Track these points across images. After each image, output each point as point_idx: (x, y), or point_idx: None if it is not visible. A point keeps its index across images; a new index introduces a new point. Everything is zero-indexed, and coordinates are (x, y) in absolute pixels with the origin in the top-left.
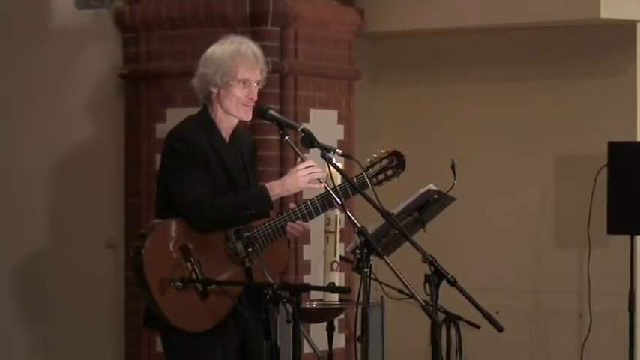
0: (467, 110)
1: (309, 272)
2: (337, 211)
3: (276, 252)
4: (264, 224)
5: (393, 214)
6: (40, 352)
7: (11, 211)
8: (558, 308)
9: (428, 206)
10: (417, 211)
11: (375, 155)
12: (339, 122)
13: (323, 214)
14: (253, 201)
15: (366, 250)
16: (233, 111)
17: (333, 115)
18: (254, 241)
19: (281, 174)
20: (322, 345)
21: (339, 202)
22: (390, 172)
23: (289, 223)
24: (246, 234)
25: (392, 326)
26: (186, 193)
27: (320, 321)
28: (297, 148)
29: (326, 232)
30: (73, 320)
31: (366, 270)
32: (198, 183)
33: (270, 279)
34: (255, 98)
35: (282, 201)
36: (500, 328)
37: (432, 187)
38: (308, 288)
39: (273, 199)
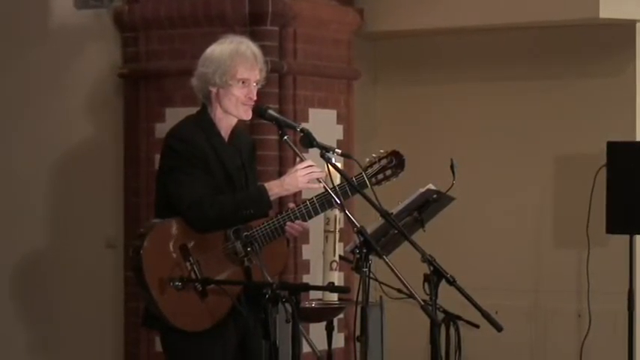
0: (466, 110)
1: (308, 272)
2: (336, 211)
3: (276, 252)
4: (264, 224)
5: (392, 213)
6: (39, 352)
7: (11, 211)
8: (557, 308)
9: (427, 206)
10: (416, 210)
11: (374, 155)
12: (339, 122)
13: (322, 214)
14: (252, 200)
15: (365, 250)
16: (232, 110)
17: (332, 114)
18: (253, 240)
19: (280, 174)
20: (321, 345)
21: (339, 201)
22: (389, 172)
23: (288, 223)
24: (246, 233)
25: (391, 326)
26: (186, 193)
27: (319, 321)
28: (297, 147)
29: (325, 231)
30: (72, 320)
31: (365, 270)
32: (198, 183)
33: (269, 279)
34: (255, 98)
35: (282, 200)
36: (499, 328)
37: (431, 186)
38: (307, 288)
39: (272, 198)
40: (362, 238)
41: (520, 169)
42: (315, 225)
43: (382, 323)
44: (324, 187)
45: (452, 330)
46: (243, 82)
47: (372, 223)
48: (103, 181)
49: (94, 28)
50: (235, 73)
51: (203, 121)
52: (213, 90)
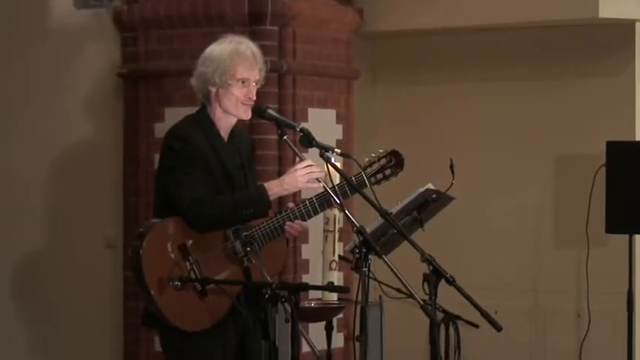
0: (466, 110)
1: (307, 271)
2: (336, 211)
3: (275, 251)
4: (263, 223)
5: (391, 213)
6: (39, 352)
7: (11, 211)
8: (557, 308)
9: (426, 206)
10: (415, 210)
11: (373, 154)
12: (338, 122)
13: (321, 214)
14: (252, 200)
15: (364, 250)
16: (232, 110)
17: (331, 114)
18: (253, 240)
19: (280, 173)
20: (321, 344)
21: (338, 201)
22: (388, 172)
23: (288, 223)
24: (245, 233)
25: (391, 326)
26: (185, 193)
27: (319, 320)
28: (296, 147)
29: (325, 231)
30: (72, 320)
31: (364, 269)
32: (197, 182)
33: (268, 278)
34: (254, 98)
35: (281, 200)
36: (499, 328)
37: (430, 186)
38: (307, 287)
39: (271, 198)
40: (361, 238)
41: (520, 169)
42: (315, 225)
43: (382, 323)
44: (324, 186)
45: (451, 330)
46: (242, 82)
47: (372, 222)
48: (102, 181)
49: (94, 27)
50: (235, 72)
51: (202, 121)
52: (213, 90)
